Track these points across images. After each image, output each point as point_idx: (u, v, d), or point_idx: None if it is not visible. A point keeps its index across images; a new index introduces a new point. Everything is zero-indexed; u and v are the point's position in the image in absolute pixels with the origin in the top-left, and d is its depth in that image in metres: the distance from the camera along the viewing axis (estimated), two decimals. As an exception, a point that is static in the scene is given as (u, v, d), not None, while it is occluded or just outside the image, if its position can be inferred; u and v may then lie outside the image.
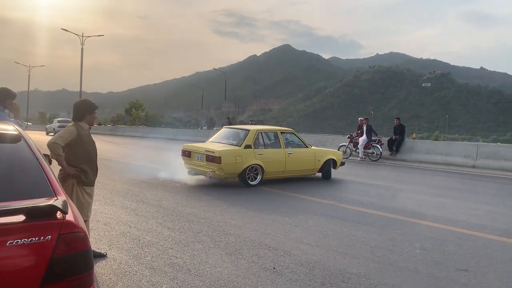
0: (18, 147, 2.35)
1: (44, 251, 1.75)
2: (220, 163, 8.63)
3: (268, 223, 5.76)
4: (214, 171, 8.74)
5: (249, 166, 8.92)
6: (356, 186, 9.59)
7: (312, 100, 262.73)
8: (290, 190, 8.55)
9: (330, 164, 10.62)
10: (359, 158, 16.31)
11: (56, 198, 2.00)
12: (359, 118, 17.75)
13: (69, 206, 1.99)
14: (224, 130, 10.71)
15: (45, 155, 3.53)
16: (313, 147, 10.60)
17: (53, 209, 1.77)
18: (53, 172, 2.33)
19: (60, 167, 3.98)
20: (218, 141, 9.93)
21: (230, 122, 24.07)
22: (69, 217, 1.88)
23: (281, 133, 10.04)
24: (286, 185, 9.06)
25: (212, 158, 8.77)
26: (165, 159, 13.30)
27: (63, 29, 43.27)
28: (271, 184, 9.25)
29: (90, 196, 4.07)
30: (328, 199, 7.69)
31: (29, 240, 1.72)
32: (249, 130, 9.52)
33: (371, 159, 16.04)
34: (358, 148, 16.53)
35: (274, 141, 9.90)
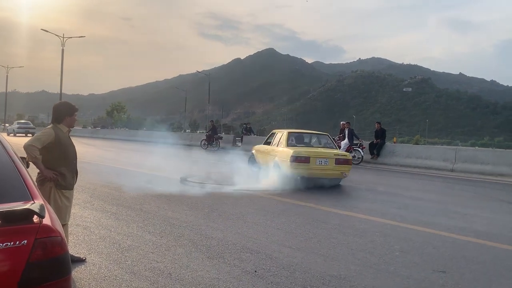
0: (-7, 150, 2.30)
1: (20, 256, 1.72)
2: (351, 164, 9.94)
3: (251, 226, 5.76)
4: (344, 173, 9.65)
5: None
6: (337, 189, 9.67)
7: (296, 104, 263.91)
8: (272, 194, 8.57)
9: None
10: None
11: (33, 201, 1.97)
12: (341, 122, 17.94)
13: (46, 210, 1.96)
14: (281, 134, 10.74)
15: (22, 158, 3.48)
16: None
17: (29, 213, 1.75)
18: (30, 175, 2.30)
19: (38, 170, 3.91)
20: (295, 144, 10.42)
21: (213, 126, 24.03)
22: (46, 221, 1.85)
23: None
24: (267, 188, 9.06)
25: (345, 161, 9.74)
26: (146, 162, 13.19)
27: (43, 29, 42.59)
28: (253, 187, 9.26)
29: (69, 199, 4.00)
30: (310, 202, 7.74)
31: (3, 244, 1.69)
32: (327, 134, 11.44)
33: (353, 163, 16.16)
34: (340, 152, 16.67)
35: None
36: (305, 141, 11.08)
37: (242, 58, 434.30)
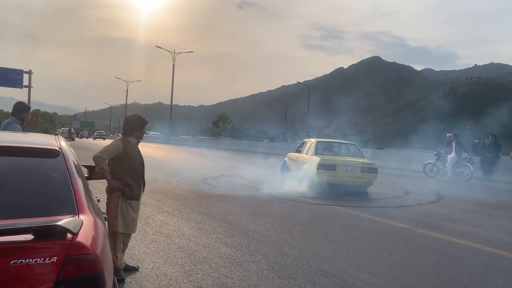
0: (54, 163, 2.38)
1: (50, 273, 1.71)
2: (376, 173, 10.33)
3: (331, 246, 5.43)
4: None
5: None
6: (438, 209, 8.80)
7: (403, 113, 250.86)
8: (362, 210, 8.07)
9: None
10: (447, 178, 15.08)
11: (75, 216, 1.98)
12: (447, 134, 16.46)
13: (88, 226, 1.95)
14: (310, 143, 11.33)
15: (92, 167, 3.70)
16: None
17: (59, 229, 1.73)
18: (85, 190, 2.33)
19: None
20: (322, 153, 10.88)
21: (309, 135, 23.74)
22: (81, 238, 1.83)
23: None
24: (357, 203, 8.58)
25: (370, 169, 10.23)
26: (244, 172, 13.42)
27: (157, 46, 46.40)
28: (341, 202, 8.85)
29: (135, 210, 4.08)
30: (404, 223, 7.10)
31: (34, 260, 1.69)
32: (355, 144, 12.23)
33: (461, 179, 14.71)
34: (446, 167, 15.30)
35: None
36: (334, 149, 11.66)
37: (345, 67, 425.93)
